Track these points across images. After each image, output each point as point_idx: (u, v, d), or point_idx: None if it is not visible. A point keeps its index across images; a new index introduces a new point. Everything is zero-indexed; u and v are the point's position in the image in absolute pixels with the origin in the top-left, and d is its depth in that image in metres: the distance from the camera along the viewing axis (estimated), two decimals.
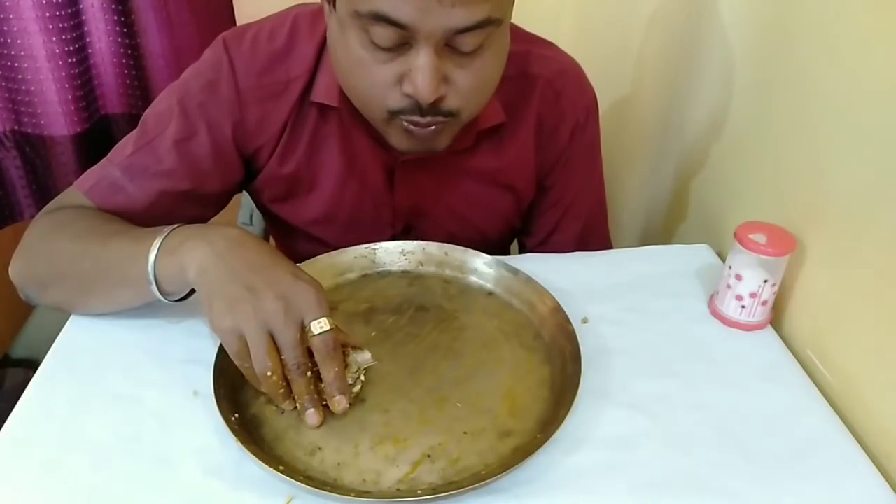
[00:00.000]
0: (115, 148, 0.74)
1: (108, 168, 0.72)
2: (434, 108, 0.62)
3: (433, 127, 0.64)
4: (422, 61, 0.59)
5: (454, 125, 0.67)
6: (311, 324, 0.56)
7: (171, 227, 0.63)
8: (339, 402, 0.58)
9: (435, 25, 0.57)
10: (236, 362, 0.57)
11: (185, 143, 0.72)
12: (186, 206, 0.74)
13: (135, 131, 0.74)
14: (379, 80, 0.62)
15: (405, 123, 0.64)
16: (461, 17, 0.57)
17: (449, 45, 0.60)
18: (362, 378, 0.61)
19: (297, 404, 0.58)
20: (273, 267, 0.58)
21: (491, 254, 0.77)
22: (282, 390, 0.57)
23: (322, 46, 0.72)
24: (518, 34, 0.77)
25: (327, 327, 0.56)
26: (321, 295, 0.58)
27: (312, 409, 0.57)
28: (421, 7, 0.55)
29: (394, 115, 0.64)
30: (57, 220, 0.70)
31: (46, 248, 0.69)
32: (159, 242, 0.61)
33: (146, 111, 0.75)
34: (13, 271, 0.70)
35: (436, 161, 0.76)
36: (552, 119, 0.80)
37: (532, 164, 0.82)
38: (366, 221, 0.82)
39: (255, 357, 0.55)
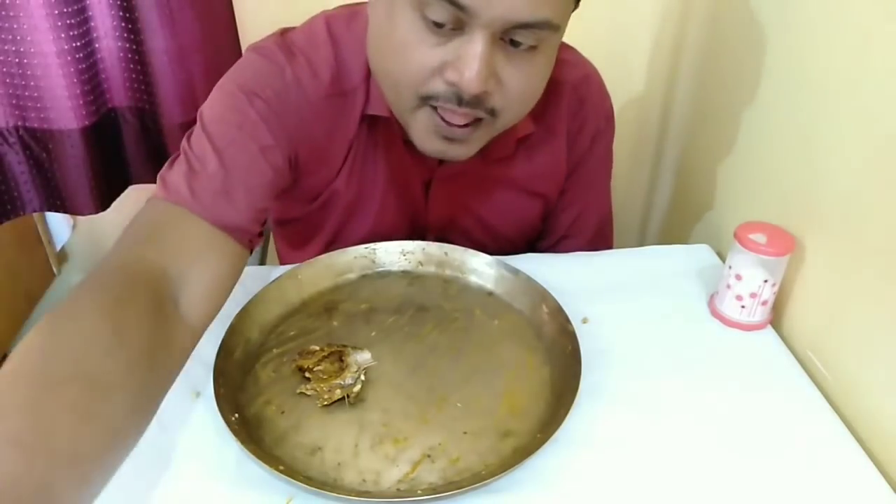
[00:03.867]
0: (181, 162, 0.63)
1: (201, 178, 0.62)
2: (475, 102, 0.59)
3: (467, 126, 0.61)
4: (475, 49, 0.55)
5: (488, 129, 0.64)
6: None
7: None
8: None
9: (496, 14, 0.54)
10: None
11: (268, 151, 0.66)
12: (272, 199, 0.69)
13: (197, 143, 0.64)
14: (421, 64, 0.58)
15: (437, 118, 0.60)
16: (525, 10, 0.54)
17: (503, 39, 0.57)
18: (362, 378, 0.61)
19: None
20: None
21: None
22: None
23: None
24: None
25: None
26: None
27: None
28: None
29: (425, 101, 0.60)
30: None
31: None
32: None
33: (200, 128, 0.65)
34: None
35: (472, 172, 0.74)
36: (576, 125, 0.80)
37: (563, 171, 0.82)
38: (401, 235, 0.80)
39: None
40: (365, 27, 0.67)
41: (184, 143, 0.66)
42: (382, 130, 0.73)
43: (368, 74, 0.69)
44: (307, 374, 0.62)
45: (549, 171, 0.81)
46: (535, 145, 0.78)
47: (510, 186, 0.80)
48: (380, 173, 0.76)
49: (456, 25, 0.56)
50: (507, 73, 0.59)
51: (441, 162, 0.75)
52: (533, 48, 0.58)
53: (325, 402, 0.60)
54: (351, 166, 0.74)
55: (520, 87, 0.60)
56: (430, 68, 0.58)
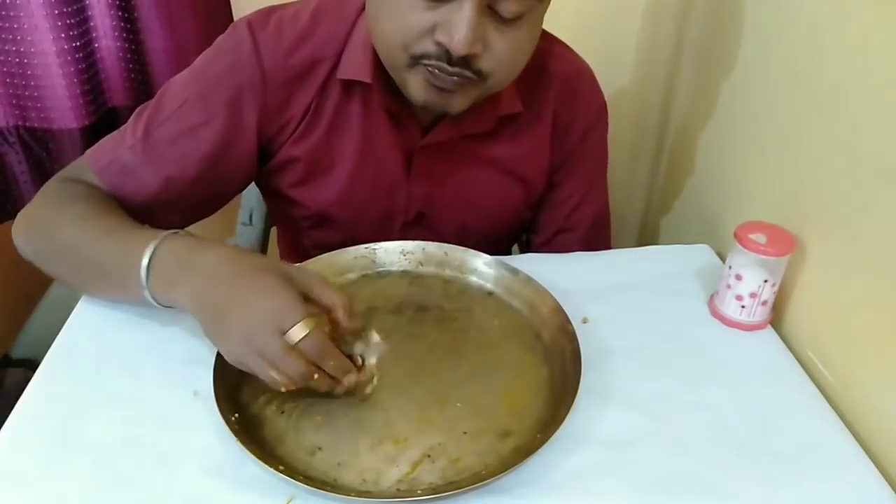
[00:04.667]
0: (129, 125, 0.73)
1: (122, 149, 0.72)
2: (463, 63, 0.62)
3: (456, 79, 0.64)
4: (465, 14, 0.59)
5: (477, 89, 0.66)
6: (289, 333, 0.55)
7: (157, 242, 0.62)
8: (348, 379, 0.59)
9: None
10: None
11: (201, 128, 0.71)
12: (196, 192, 0.74)
13: (150, 109, 0.73)
14: (414, 25, 0.62)
15: (427, 70, 0.64)
16: None
17: (491, 8, 0.60)
18: (374, 382, 0.62)
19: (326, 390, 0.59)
20: (240, 288, 0.58)
21: (499, 248, 0.77)
22: (303, 385, 0.58)
23: (352, 27, 0.72)
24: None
25: (304, 332, 0.55)
26: (289, 298, 0.56)
27: (338, 387, 0.59)
28: None
29: (417, 60, 0.64)
30: (64, 194, 0.70)
31: (46, 222, 0.69)
32: (146, 263, 0.61)
33: (164, 89, 0.74)
34: (15, 230, 0.71)
35: (454, 147, 0.76)
36: (566, 116, 0.81)
37: (546, 157, 0.83)
38: (380, 207, 0.81)
39: (262, 377, 0.57)
40: (357, 5, 0.71)
41: (137, 110, 0.74)
42: (360, 98, 0.74)
43: (345, 44, 0.72)
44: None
45: (532, 155, 0.82)
46: (518, 127, 0.79)
47: (492, 165, 0.81)
48: (352, 141, 0.76)
49: None
50: (495, 39, 0.62)
51: (424, 134, 0.76)
52: (519, 17, 0.62)
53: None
54: (305, 129, 0.75)
55: (506, 53, 0.64)
56: (421, 29, 0.62)
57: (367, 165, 0.78)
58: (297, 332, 0.55)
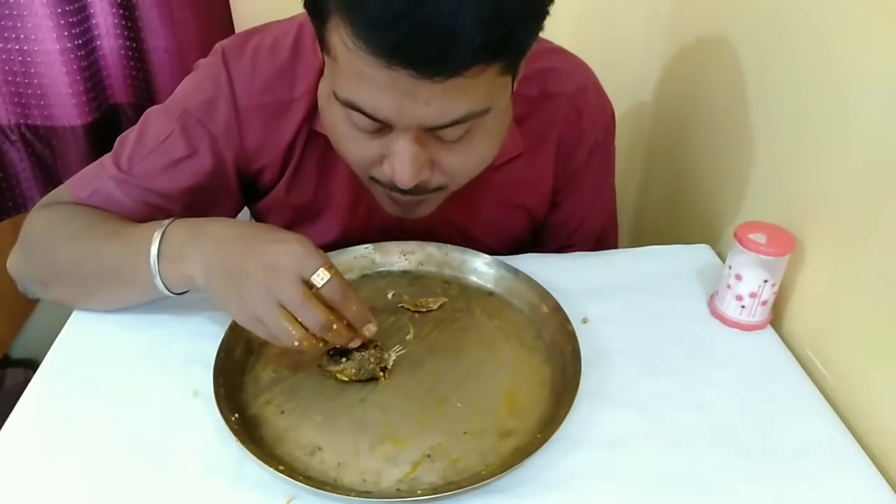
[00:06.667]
0: (110, 155, 0.71)
1: (104, 179, 0.70)
2: (417, 189, 0.60)
3: (417, 197, 0.63)
4: (401, 148, 0.57)
5: (441, 196, 0.66)
6: (312, 278, 0.55)
7: (164, 227, 0.62)
8: (368, 330, 0.59)
9: (410, 122, 0.55)
10: (278, 344, 0.57)
11: (185, 161, 0.70)
12: None
13: (133, 138, 0.71)
14: (360, 155, 0.61)
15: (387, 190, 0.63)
16: (437, 115, 0.54)
17: (431, 132, 0.57)
18: (391, 360, 0.63)
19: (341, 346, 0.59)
20: (256, 243, 0.58)
21: None
22: (321, 344, 0.57)
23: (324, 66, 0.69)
24: (535, 49, 0.73)
25: (328, 276, 0.55)
26: (309, 247, 0.57)
27: (356, 339, 0.59)
28: (394, 107, 0.53)
29: (373, 181, 0.63)
30: (54, 217, 0.69)
31: (45, 247, 0.68)
32: (156, 249, 0.61)
33: (145, 120, 0.72)
34: (11, 265, 0.70)
35: None
36: (572, 137, 0.78)
37: (549, 182, 0.81)
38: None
39: (277, 331, 0.56)
40: None
41: (119, 139, 0.72)
42: None
43: (317, 86, 0.69)
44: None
45: (534, 182, 0.80)
46: (520, 159, 0.77)
47: (491, 197, 0.79)
48: (343, 185, 0.75)
49: (382, 127, 0.57)
50: (444, 158, 0.60)
51: None
52: (466, 133, 0.58)
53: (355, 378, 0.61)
54: (294, 175, 0.74)
55: (461, 166, 0.61)
56: (370, 158, 0.61)
57: (358, 209, 0.77)
58: (321, 276, 0.55)
